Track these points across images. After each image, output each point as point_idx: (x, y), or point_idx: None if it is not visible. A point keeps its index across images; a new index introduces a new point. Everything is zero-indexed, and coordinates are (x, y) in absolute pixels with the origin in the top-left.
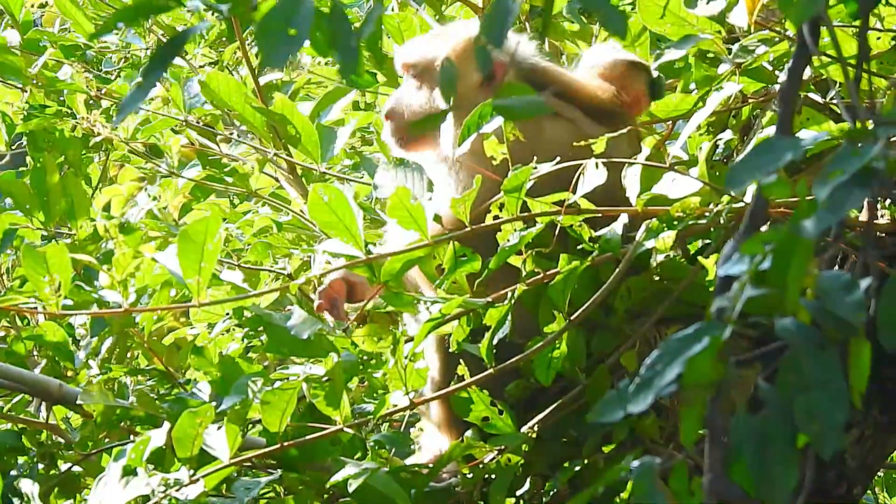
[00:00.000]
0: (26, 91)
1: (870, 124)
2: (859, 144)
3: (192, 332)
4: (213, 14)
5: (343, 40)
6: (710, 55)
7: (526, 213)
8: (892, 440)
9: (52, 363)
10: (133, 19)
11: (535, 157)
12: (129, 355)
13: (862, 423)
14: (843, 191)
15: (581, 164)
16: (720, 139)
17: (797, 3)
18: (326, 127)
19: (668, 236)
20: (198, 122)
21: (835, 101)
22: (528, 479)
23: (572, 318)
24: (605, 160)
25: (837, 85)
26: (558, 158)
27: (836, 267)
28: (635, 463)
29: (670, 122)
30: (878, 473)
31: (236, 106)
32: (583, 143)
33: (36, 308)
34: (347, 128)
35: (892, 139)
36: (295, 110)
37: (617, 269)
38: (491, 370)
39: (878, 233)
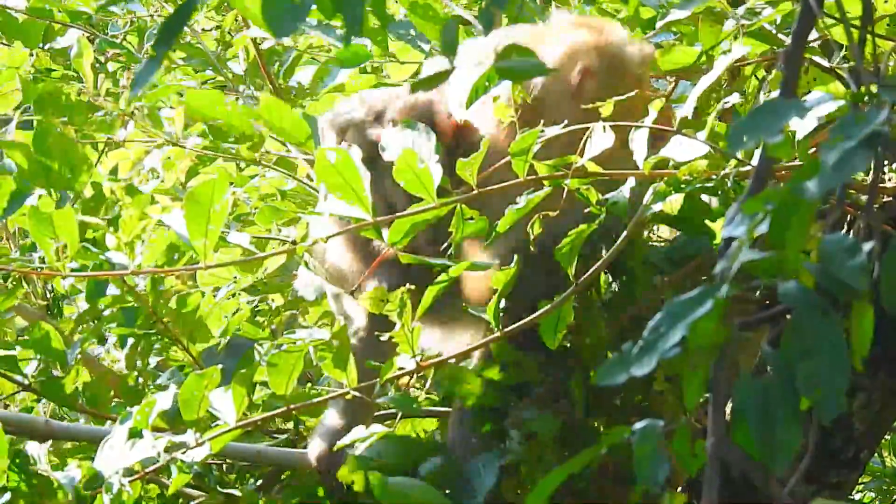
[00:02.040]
0: (33, 54)
1: (874, 87)
2: (864, 109)
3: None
4: None
5: (349, 4)
6: (716, 10)
7: (533, 176)
8: None
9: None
10: None
11: None
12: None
13: (869, 387)
14: (847, 154)
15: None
16: (726, 101)
17: None
18: (314, 118)
19: (676, 200)
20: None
21: (841, 67)
22: None
23: (579, 280)
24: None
25: (844, 49)
26: (565, 122)
27: (842, 230)
28: (638, 425)
29: (674, 78)
30: (886, 437)
31: (220, 116)
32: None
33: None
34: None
35: None
36: (283, 108)
37: (623, 233)
38: (498, 333)
39: (883, 196)
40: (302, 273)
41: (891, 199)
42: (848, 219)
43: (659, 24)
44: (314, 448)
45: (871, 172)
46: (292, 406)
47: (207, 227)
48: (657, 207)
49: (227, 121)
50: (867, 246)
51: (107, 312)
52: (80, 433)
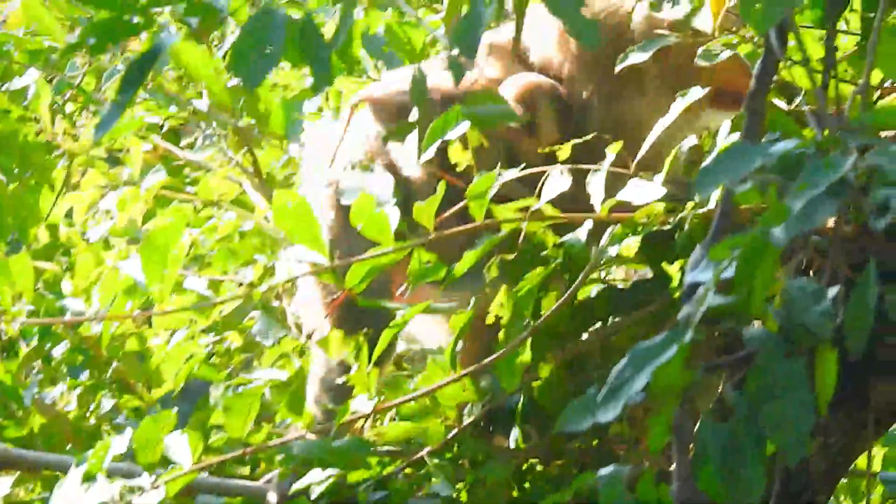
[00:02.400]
0: None
1: (837, 132)
2: (829, 154)
3: (155, 343)
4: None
5: (317, 53)
6: None
7: (490, 220)
8: (857, 446)
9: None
10: (100, 46)
11: None
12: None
13: (826, 429)
14: (814, 202)
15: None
16: (681, 145)
17: (759, 11)
18: (289, 101)
19: (633, 242)
20: (162, 127)
21: (802, 109)
22: None
23: (537, 322)
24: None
25: (803, 92)
26: (523, 165)
27: (804, 273)
28: (603, 471)
29: None
30: (843, 480)
31: (205, 77)
32: None
33: None
34: (313, 101)
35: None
36: (266, 94)
37: (581, 276)
38: (456, 375)
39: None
40: (260, 319)
41: (851, 242)
42: (807, 261)
43: (618, 68)
44: (272, 494)
45: (835, 218)
46: (248, 450)
47: (164, 271)
48: (614, 251)
49: (211, 87)
50: (831, 291)
51: (58, 350)
52: (38, 462)
